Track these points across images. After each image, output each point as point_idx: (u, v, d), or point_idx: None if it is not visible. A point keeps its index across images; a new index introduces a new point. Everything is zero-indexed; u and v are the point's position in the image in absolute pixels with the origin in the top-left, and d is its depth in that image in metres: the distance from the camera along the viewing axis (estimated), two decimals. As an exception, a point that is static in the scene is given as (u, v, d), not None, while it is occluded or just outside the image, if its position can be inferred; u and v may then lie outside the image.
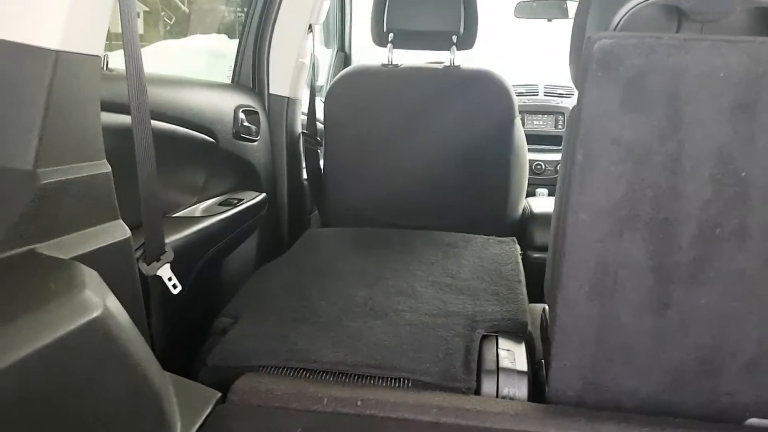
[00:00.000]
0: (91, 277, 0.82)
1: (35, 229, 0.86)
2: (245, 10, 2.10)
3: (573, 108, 1.03)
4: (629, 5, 1.01)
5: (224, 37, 2.83)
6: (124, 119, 1.12)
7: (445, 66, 2.08)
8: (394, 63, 2.11)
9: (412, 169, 2.08)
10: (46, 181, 0.87)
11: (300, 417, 1.02)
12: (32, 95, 0.86)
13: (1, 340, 0.64)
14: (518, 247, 1.80)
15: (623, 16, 1.03)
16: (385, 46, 2.10)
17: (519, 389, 1.14)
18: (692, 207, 0.94)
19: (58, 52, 0.88)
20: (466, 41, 2.07)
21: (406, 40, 2.10)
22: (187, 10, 2.10)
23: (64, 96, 0.90)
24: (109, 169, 1.01)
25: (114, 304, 0.82)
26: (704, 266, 0.98)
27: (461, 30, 2.03)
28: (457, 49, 2.07)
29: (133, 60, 1.05)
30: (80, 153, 0.94)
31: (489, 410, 1.05)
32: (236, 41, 2.10)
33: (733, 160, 0.90)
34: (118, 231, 1.01)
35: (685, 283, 0.99)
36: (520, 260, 1.67)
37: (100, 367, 0.78)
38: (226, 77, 2.11)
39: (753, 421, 1.06)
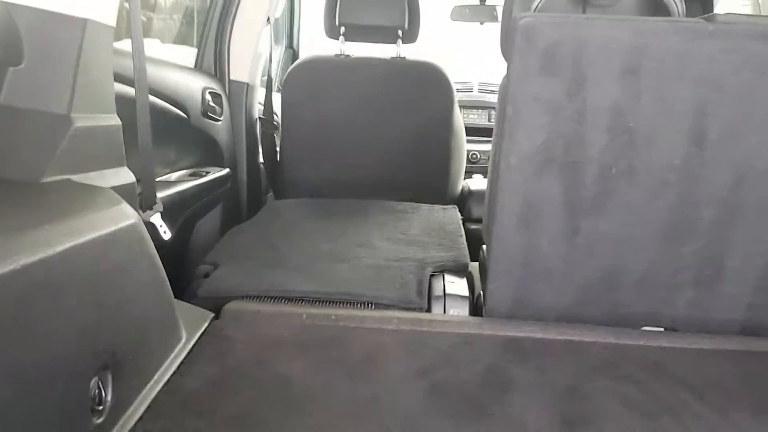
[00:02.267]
0: (122, 198, 1.00)
1: (68, 163, 1.04)
2: (208, 1, 2.27)
3: (504, 75, 1.29)
4: (542, -4, 1.30)
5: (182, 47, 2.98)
6: (125, 89, 1.30)
7: (392, 57, 2.33)
8: (346, 54, 2.34)
9: (363, 150, 2.31)
10: (77, 125, 1.04)
11: (284, 327, 1.22)
12: (67, 54, 1.04)
13: (65, 229, 0.83)
14: (459, 213, 2.06)
15: (540, 1, 1.31)
16: (338, 38, 2.33)
17: (462, 309, 1.39)
18: (593, 152, 1.21)
19: (86, 20, 1.06)
20: (410, 35, 2.33)
21: (356, 33, 2.34)
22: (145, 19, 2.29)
23: (89, 57, 1.08)
24: (120, 122, 1.18)
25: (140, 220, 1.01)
26: (604, 200, 1.25)
27: (406, 25, 2.29)
28: (402, 43, 2.33)
29: (136, 41, 1.23)
30: (101, 105, 1.12)
31: (438, 320, 1.29)
32: (187, 48, 2.27)
33: (623, 113, 1.18)
34: (126, 175, 1.19)
35: (590, 214, 1.26)
36: (460, 222, 1.93)
37: (133, 264, 0.96)
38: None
39: (646, 328, 1.34)
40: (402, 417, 0.95)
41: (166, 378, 1.01)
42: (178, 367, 1.05)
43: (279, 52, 3.50)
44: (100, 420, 0.83)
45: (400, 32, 2.30)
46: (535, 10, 1.33)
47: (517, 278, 1.32)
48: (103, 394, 0.83)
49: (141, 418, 0.90)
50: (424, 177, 2.28)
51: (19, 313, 0.69)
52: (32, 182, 0.99)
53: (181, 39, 2.67)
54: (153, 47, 2.82)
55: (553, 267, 1.31)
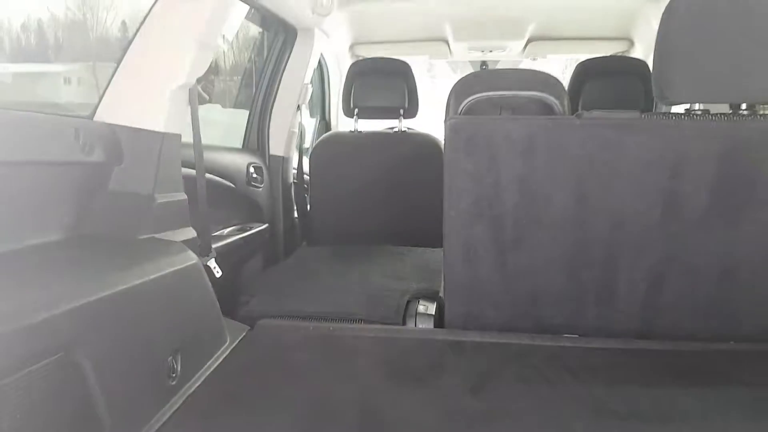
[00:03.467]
0: (187, 248, 1.58)
1: (153, 226, 1.63)
2: (253, 93, 2.93)
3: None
4: (467, 100, 1.83)
5: (230, 109, 3.68)
6: (190, 171, 1.91)
7: (395, 131, 2.91)
8: (359, 130, 2.94)
9: (374, 205, 2.87)
10: (158, 201, 1.64)
11: (298, 335, 1.76)
12: (151, 155, 1.65)
13: (153, 267, 1.40)
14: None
15: (464, 106, 1.85)
16: (353, 117, 2.93)
17: (428, 323, 1.90)
18: (508, 207, 1.72)
19: (163, 133, 1.67)
20: (410, 113, 2.91)
21: (367, 112, 2.94)
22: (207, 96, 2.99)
23: (165, 156, 1.69)
24: (185, 197, 1.78)
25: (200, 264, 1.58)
26: (520, 241, 1.74)
27: (406, 105, 2.87)
28: (404, 118, 2.91)
29: (196, 137, 1.84)
30: (173, 186, 1.72)
31: (408, 330, 1.80)
32: (234, 110, 2.93)
33: (525, 181, 1.69)
34: (190, 233, 1.78)
35: (512, 251, 1.75)
36: (442, 261, 2.43)
37: (195, 291, 1.53)
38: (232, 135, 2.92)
39: (566, 336, 1.80)
40: (369, 385, 1.46)
41: (216, 365, 1.56)
42: (224, 358, 1.60)
43: (315, 122, 4.15)
44: (174, 383, 1.38)
45: (401, 111, 2.88)
46: (461, 112, 1.87)
47: (466, 300, 1.82)
48: (176, 367, 1.39)
49: (198, 385, 1.45)
50: (422, 225, 2.80)
51: (129, 319, 1.26)
52: (132, 239, 1.59)
53: (233, 104, 3.36)
54: (214, 110, 3.51)
55: (491, 291, 1.80)
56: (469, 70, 4.12)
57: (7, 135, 1.23)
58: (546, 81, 1.92)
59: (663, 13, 1.61)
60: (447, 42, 3.54)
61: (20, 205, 1.30)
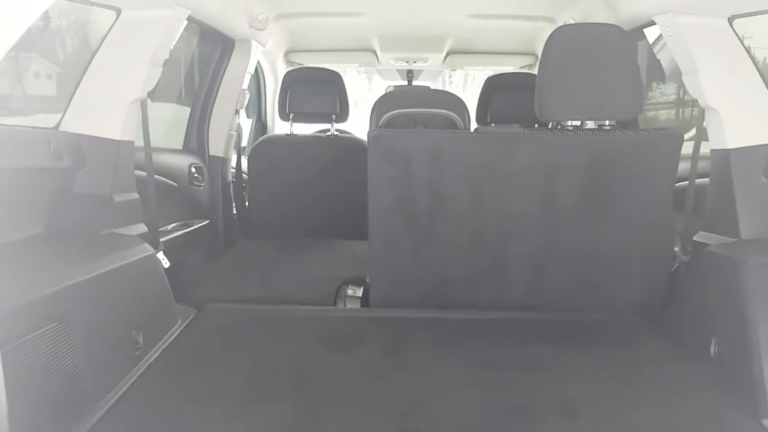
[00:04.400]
0: (143, 241, 1.83)
1: (111, 223, 1.87)
2: (193, 98, 3.15)
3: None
4: (387, 114, 2.17)
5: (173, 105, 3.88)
6: (141, 173, 2.14)
7: (328, 135, 3.21)
8: (294, 133, 3.22)
9: (309, 202, 3.16)
10: (116, 201, 1.88)
11: (240, 315, 2.04)
12: (109, 160, 1.88)
13: (117, 257, 1.65)
14: None
15: (384, 119, 2.18)
16: (288, 121, 3.21)
17: (355, 305, 2.21)
18: (421, 205, 2.05)
19: (119, 141, 1.91)
20: (342, 117, 3.21)
21: (302, 117, 3.22)
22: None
23: (120, 160, 1.92)
24: (138, 196, 2.02)
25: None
26: (431, 233, 2.08)
27: (338, 111, 3.17)
28: (336, 123, 3.21)
29: (147, 144, 2.08)
30: (128, 187, 1.96)
31: (338, 309, 2.12)
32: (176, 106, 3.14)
33: (434, 183, 2.03)
34: (143, 228, 2.02)
35: (423, 241, 2.09)
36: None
37: (151, 277, 1.79)
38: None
39: (468, 310, 2.14)
40: (302, 354, 1.76)
41: (170, 340, 1.82)
42: (177, 335, 1.86)
43: (251, 124, 4.38)
44: (138, 353, 1.64)
45: (333, 116, 3.18)
46: (381, 125, 2.20)
47: (387, 283, 2.15)
48: (139, 340, 1.65)
49: (156, 356, 1.71)
50: (351, 219, 3.10)
51: (103, 298, 1.51)
52: (94, 234, 1.82)
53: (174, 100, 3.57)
54: (154, 107, 3.69)
55: (407, 275, 2.14)
56: (397, 76, 4.48)
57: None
58: (451, 101, 2.27)
59: (545, 45, 1.99)
60: (375, 53, 3.87)
61: (4, 205, 1.52)
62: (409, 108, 2.16)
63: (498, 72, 3.47)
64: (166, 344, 1.78)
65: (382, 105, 2.24)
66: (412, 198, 2.05)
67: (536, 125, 2.35)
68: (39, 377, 1.23)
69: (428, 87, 4.23)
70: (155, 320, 1.79)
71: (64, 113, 1.83)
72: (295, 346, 1.83)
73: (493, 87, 3.14)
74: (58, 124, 1.82)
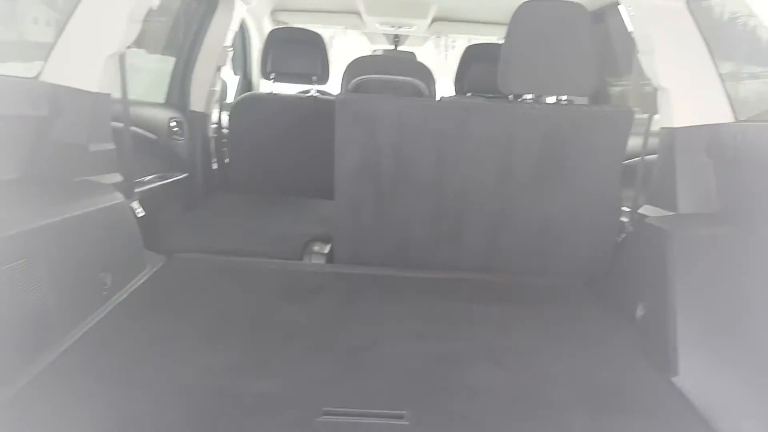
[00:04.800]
0: (115, 189, 1.93)
1: (86, 170, 1.96)
2: (175, 54, 3.20)
3: None
4: (356, 79, 2.25)
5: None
6: (118, 124, 2.22)
7: (308, 95, 3.28)
8: (275, 92, 3.29)
9: (285, 161, 3.24)
10: (91, 150, 1.97)
11: (209, 265, 2.16)
12: (85, 110, 1.96)
13: (88, 202, 1.75)
14: None
15: (354, 83, 2.26)
16: (269, 79, 3.27)
17: (321, 260, 2.33)
18: (386, 169, 2.14)
19: (96, 93, 1.99)
20: (322, 79, 3.27)
21: (283, 77, 3.28)
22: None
23: (97, 110, 2.00)
24: (114, 146, 2.11)
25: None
26: (394, 196, 2.18)
27: (319, 72, 3.23)
28: (317, 84, 3.27)
29: (124, 96, 2.15)
30: (104, 137, 2.04)
31: (304, 264, 2.23)
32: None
33: (399, 148, 2.12)
34: (117, 177, 2.12)
35: (388, 204, 2.20)
36: None
37: (122, 224, 1.89)
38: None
39: (426, 269, 2.26)
40: (265, 303, 1.88)
41: (138, 284, 1.94)
42: (144, 280, 1.98)
43: (238, 80, 4.43)
44: (105, 293, 1.76)
45: (314, 77, 3.24)
46: (350, 89, 2.28)
47: (351, 241, 2.26)
48: (106, 281, 1.76)
49: (123, 298, 1.83)
50: (325, 180, 3.19)
51: (72, 240, 1.61)
52: (68, 181, 1.92)
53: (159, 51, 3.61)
54: (140, 55, 3.73)
55: (371, 234, 2.25)
56: (384, 40, 4.52)
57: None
58: (419, 69, 2.35)
59: (511, 18, 2.07)
60: (360, 15, 3.90)
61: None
62: (379, 74, 2.24)
63: (482, 42, 3.52)
64: (133, 288, 1.90)
65: (352, 69, 2.32)
66: (376, 161, 2.15)
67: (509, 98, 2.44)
68: (3, 310, 1.34)
69: (406, 53, 4.28)
70: (123, 264, 1.90)
71: (45, 63, 1.90)
72: (258, 296, 1.96)
73: (472, 56, 3.20)
74: (38, 74, 1.89)
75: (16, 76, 1.84)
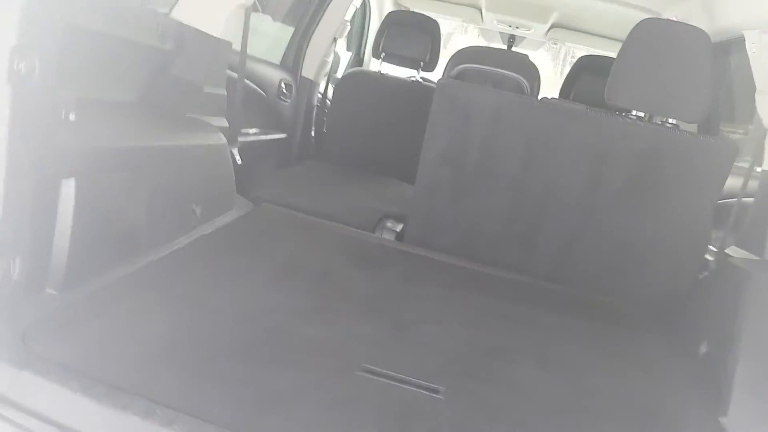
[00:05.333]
0: (220, 131, 2.08)
1: (199, 110, 2.11)
2: (296, 23, 3.36)
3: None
4: (459, 66, 2.28)
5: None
6: (233, 74, 2.38)
7: (413, 80, 3.35)
8: (383, 72, 3.38)
9: (379, 140, 3.34)
10: (205, 91, 2.12)
11: (290, 219, 2.28)
12: (205, 54, 2.11)
13: (197, 136, 1.90)
14: None
15: (456, 70, 2.29)
16: (379, 59, 3.37)
17: (391, 236, 2.40)
18: (471, 158, 2.18)
19: (218, 38, 2.14)
20: (429, 66, 3.33)
21: (393, 59, 3.37)
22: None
23: (216, 57, 2.16)
24: (225, 93, 2.26)
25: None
26: (473, 188, 2.21)
27: (427, 59, 3.29)
28: (423, 71, 3.34)
29: (243, 48, 2.30)
30: (218, 81, 2.20)
31: (374, 237, 2.31)
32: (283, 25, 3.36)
33: (488, 141, 2.14)
34: (224, 122, 2.27)
35: (466, 193, 2.23)
36: None
37: (221, 164, 2.04)
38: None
39: (492, 266, 2.28)
40: (331, 263, 1.97)
41: (225, 221, 2.08)
42: (231, 220, 2.12)
43: (350, 56, 4.57)
44: (194, 223, 1.91)
45: (422, 63, 3.31)
46: (453, 75, 2.32)
47: (423, 225, 2.32)
48: (197, 212, 1.91)
49: (209, 231, 1.97)
50: (412, 163, 3.26)
51: (174, 167, 1.76)
52: (182, 114, 2.08)
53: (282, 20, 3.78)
54: (265, 20, 3.93)
55: (444, 222, 2.29)
56: (499, 39, 4.50)
57: (112, 18, 1.70)
58: (524, 65, 2.36)
59: (628, 34, 2.03)
60: (480, 10, 3.91)
61: (109, 69, 1.79)
62: (482, 65, 2.27)
63: (595, 54, 3.44)
64: (219, 225, 2.04)
65: (457, 57, 2.37)
66: (464, 150, 2.19)
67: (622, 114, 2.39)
68: (103, 212, 1.49)
69: (519, 54, 4.25)
70: (214, 201, 2.05)
71: (176, 2, 2.06)
72: (327, 256, 2.05)
73: (583, 66, 3.15)
74: (170, 11, 2.06)
75: (150, 8, 2.01)
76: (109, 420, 1.01)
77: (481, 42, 4.61)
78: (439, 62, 3.35)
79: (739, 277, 1.69)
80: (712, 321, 1.76)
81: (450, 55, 3.52)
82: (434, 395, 1.33)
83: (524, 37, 4.27)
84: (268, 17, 4.16)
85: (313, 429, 1.12)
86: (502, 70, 2.26)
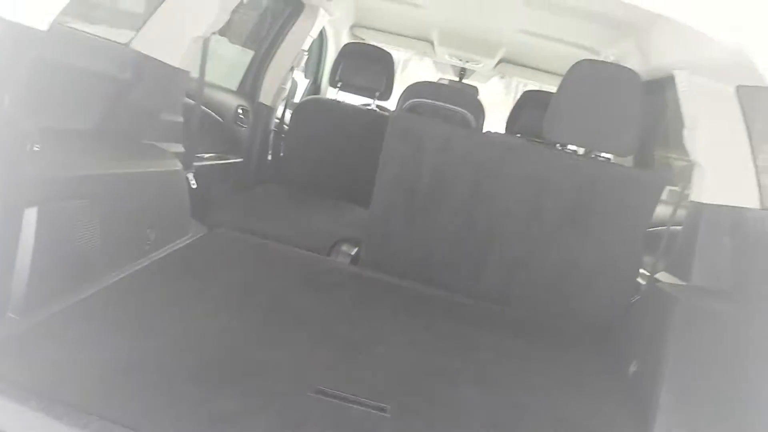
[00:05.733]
0: (176, 158, 2.13)
1: (153, 136, 2.16)
2: (255, 48, 3.43)
3: None
4: (412, 100, 2.40)
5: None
6: (188, 101, 2.43)
7: (368, 108, 3.46)
8: (339, 100, 3.48)
9: (337, 163, 3.42)
10: (161, 119, 2.17)
11: (244, 243, 2.33)
12: (163, 83, 2.16)
13: (149, 163, 1.94)
14: None
15: (409, 103, 2.41)
16: (336, 87, 3.47)
17: (346, 259, 2.47)
18: (422, 187, 2.28)
19: (176, 68, 2.19)
20: (384, 95, 3.45)
21: (349, 87, 3.47)
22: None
23: (174, 85, 2.21)
24: (182, 119, 2.31)
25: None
26: (425, 213, 2.31)
27: (382, 89, 3.41)
28: (378, 100, 3.45)
29: (201, 76, 2.36)
30: (174, 110, 2.25)
31: (329, 260, 2.38)
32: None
33: (438, 170, 2.25)
34: (180, 148, 2.31)
35: (419, 220, 2.32)
36: None
37: (175, 189, 2.08)
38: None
39: (444, 290, 2.38)
40: (284, 287, 2.03)
41: (179, 246, 2.12)
42: (185, 245, 2.16)
43: (307, 83, 4.66)
44: (147, 248, 1.94)
45: (377, 93, 3.42)
46: (404, 108, 2.44)
47: (378, 249, 2.40)
48: (151, 237, 1.94)
49: (162, 255, 2.00)
50: (369, 189, 3.35)
51: (128, 191, 1.80)
52: (137, 141, 2.12)
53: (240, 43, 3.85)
54: (221, 43, 3.98)
55: (397, 245, 2.38)
56: (450, 71, 4.68)
57: (75, 51, 1.75)
58: (470, 101, 2.50)
59: (565, 73, 2.19)
60: (432, 44, 4.08)
61: (69, 99, 1.83)
62: (433, 100, 2.39)
63: (539, 90, 3.64)
64: (173, 249, 2.08)
65: (409, 92, 2.49)
66: (415, 178, 2.29)
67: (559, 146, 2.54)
68: (62, 239, 1.52)
69: (469, 86, 4.42)
70: (169, 226, 2.08)
71: (137, 33, 2.12)
72: (281, 280, 2.11)
73: (528, 101, 3.32)
74: (130, 42, 2.11)
75: (110, 40, 2.06)
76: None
77: (435, 72, 4.79)
78: (394, 90, 3.48)
79: (666, 302, 1.83)
80: (642, 343, 1.89)
81: (406, 79, 3.65)
82: (382, 413, 1.40)
83: (474, 71, 4.46)
84: (225, 39, 4.24)
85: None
86: (451, 105, 2.39)
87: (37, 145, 1.33)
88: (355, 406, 1.41)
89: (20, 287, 1.37)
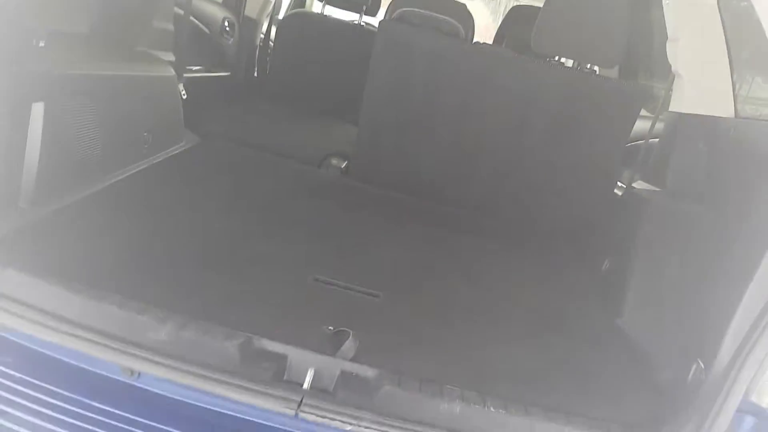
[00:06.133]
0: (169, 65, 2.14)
1: (147, 44, 2.16)
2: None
3: None
4: (401, 9, 2.40)
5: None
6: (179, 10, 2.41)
7: (355, 23, 3.44)
8: (324, 13, 3.44)
9: (322, 80, 3.42)
10: (154, 27, 2.17)
11: (236, 153, 2.39)
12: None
13: (146, 67, 1.97)
14: None
15: (398, 12, 2.42)
16: (321, 1, 3.43)
17: (336, 172, 2.54)
18: (411, 98, 2.33)
19: None
20: (371, 10, 3.42)
21: (335, 1, 3.43)
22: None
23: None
24: (173, 28, 2.30)
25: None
26: (415, 126, 2.37)
27: (369, 2, 3.37)
28: (365, 15, 3.42)
29: None
30: (165, 19, 2.24)
31: (320, 171, 2.45)
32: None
33: (427, 81, 2.30)
34: (171, 56, 2.32)
35: (408, 130, 2.38)
36: None
37: (168, 95, 2.11)
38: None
39: (429, 200, 2.47)
40: (274, 193, 2.11)
41: (175, 152, 2.17)
42: (179, 151, 2.21)
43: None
44: (145, 151, 1.99)
45: (364, 7, 3.39)
46: (393, 18, 2.44)
47: (366, 162, 2.47)
48: (148, 140, 1.99)
49: (158, 160, 2.06)
50: (355, 104, 3.38)
51: (126, 93, 1.83)
52: (132, 47, 2.12)
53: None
54: None
55: (387, 158, 2.45)
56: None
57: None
58: (460, 12, 2.51)
59: None
60: None
61: (64, 2, 1.82)
62: (422, 9, 2.40)
63: (526, 5, 3.63)
64: (171, 155, 2.13)
65: (398, 1, 2.48)
66: (405, 90, 2.34)
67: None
68: (67, 135, 1.57)
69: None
70: (164, 132, 2.13)
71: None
72: (273, 187, 2.19)
73: (515, 17, 3.33)
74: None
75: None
76: (87, 307, 1.13)
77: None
78: (381, 7, 3.45)
79: (640, 203, 1.95)
80: (616, 242, 2.02)
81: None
82: (375, 299, 1.52)
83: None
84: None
85: (271, 324, 1.28)
86: (438, 14, 2.40)
87: (42, 41, 1.36)
88: (350, 292, 1.53)
89: (30, 179, 1.43)
